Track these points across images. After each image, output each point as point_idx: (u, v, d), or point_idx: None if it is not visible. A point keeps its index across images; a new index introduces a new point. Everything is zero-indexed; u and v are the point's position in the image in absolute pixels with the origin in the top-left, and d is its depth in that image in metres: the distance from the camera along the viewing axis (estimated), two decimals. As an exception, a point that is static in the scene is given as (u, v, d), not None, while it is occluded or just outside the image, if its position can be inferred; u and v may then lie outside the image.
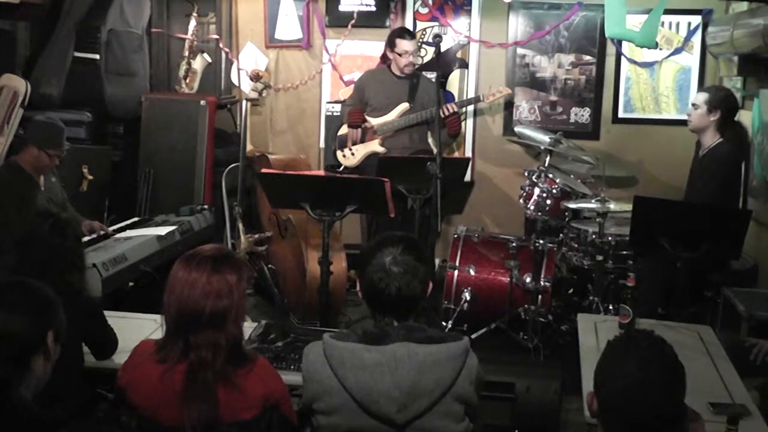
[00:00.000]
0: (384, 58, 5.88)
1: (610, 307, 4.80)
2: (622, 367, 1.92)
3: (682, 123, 5.33)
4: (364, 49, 6.52)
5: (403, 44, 5.55)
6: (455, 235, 5.24)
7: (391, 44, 5.64)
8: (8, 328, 2.13)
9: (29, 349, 2.17)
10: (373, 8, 6.44)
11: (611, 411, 1.94)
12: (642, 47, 6.16)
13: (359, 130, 5.68)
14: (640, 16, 6.06)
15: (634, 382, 1.89)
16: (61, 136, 4.54)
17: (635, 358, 1.92)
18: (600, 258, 4.88)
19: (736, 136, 5.07)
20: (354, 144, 5.71)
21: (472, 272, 5.04)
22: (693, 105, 4.89)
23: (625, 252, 4.92)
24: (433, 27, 6.41)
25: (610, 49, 6.26)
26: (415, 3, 6.42)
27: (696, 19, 6.11)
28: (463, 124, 6.40)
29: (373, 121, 5.69)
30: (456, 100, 6.30)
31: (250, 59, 6.55)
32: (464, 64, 6.43)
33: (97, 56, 5.83)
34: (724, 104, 4.81)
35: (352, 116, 5.69)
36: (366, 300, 2.45)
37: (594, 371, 2.02)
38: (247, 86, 6.09)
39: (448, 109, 5.53)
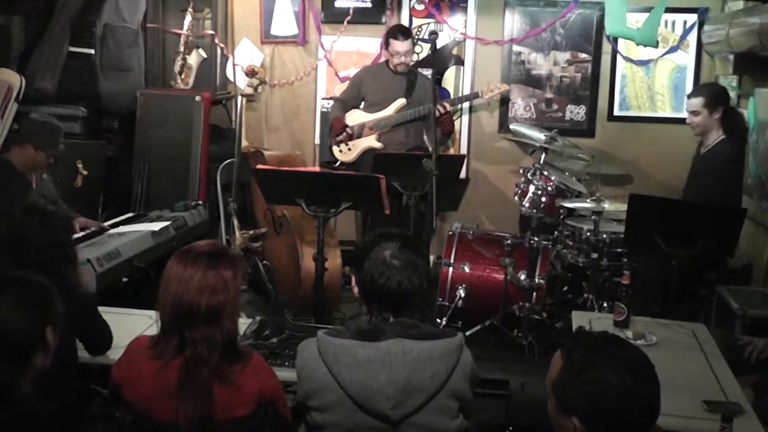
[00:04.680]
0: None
1: (605, 305, 4.81)
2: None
3: (678, 121, 5.35)
4: (359, 46, 6.52)
5: (396, 45, 5.56)
6: (450, 232, 5.24)
7: (386, 43, 5.66)
8: (9, 327, 2.13)
9: (30, 345, 2.17)
10: (369, 4, 6.43)
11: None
12: (642, 45, 6.16)
13: (344, 134, 5.68)
14: (639, 14, 6.07)
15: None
16: (59, 137, 4.51)
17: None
18: (595, 255, 4.89)
19: (737, 128, 5.06)
20: (350, 139, 5.71)
21: (466, 269, 5.04)
22: (692, 113, 4.80)
23: (619, 249, 4.93)
24: (429, 24, 6.41)
25: (606, 47, 6.26)
26: (410, 0, 6.42)
27: (692, 18, 6.12)
28: (458, 121, 6.42)
29: (370, 117, 5.69)
30: (452, 96, 6.30)
31: (245, 55, 6.53)
32: (460, 61, 6.43)
33: (92, 51, 5.81)
34: (723, 99, 4.79)
35: (334, 126, 5.69)
36: (363, 294, 2.45)
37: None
38: (242, 82, 6.07)
39: (441, 108, 5.52)
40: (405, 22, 6.37)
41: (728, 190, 4.70)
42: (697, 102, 4.77)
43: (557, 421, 1.92)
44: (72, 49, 5.76)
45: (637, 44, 6.16)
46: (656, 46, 6.14)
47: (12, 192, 4.32)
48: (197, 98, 5.91)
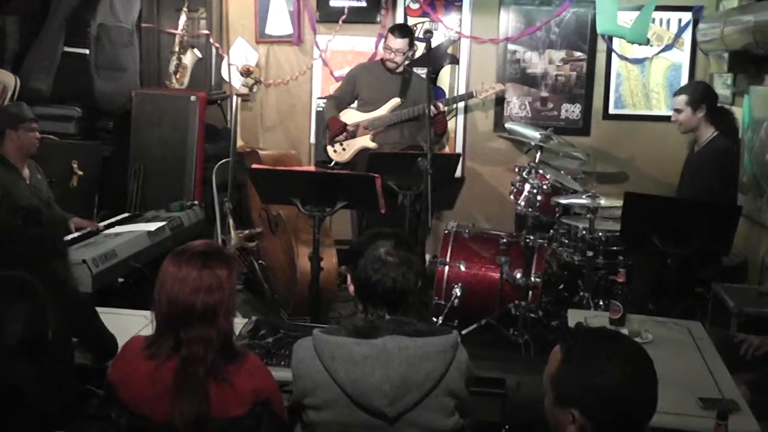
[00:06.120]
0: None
1: (601, 303, 4.81)
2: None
3: (673, 119, 5.33)
4: (354, 45, 6.51)
5: (389, 40, 5.59)
6: (446, 231, 5.24)
7: (384, 37, 5.68)
8: (2, 327, 2.12)
9: (24, 345, 2.16)
10: (364, 4, 6.43)
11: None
12: (633, 43, 6.17)
13: (344, 134, 5.67)
14: (631, 12, 6.08)
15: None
16: (23, 108, 4.61)
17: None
18: (590, 254, 4.89)
19: (730, 128, 5.07)
20: (345, 139, 5.71)
21: (462, 268, 5.04)
22: (676, 110, 4.88)
23: (615, 248, 4.93)
24: (424, 23, 6.41)
25: (601, 46, 6.26)
26: (405, -2, 6.42)
27: (687, 16, 6.13)
28: (453, 120, 6.41)
29: (365, 116, 5.68)
30: (447, 95, 6.30)
31: (240, 54, 6.52)
32: (455, 60, 6.43)
33: (87, 51, 5.81)
34: (707, 97, 4.83)
35: (332, 126, 5.68)
36: (359, 292, 2.45)
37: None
38: (237, 82, 6.07)
39: (435, 108, 5.50)
40: (400, 21, 6.36)
41: (722, 187, 4.71)
42: (681, 100, 4.86)
43: (554, 417, 1.91)
44: (67, 49, 5.77)
45: (629, 42, 6.17)
46: (647, 43, 6.14)
47: (4, 184, 4.35)
48: (192, 98, 5.91)
